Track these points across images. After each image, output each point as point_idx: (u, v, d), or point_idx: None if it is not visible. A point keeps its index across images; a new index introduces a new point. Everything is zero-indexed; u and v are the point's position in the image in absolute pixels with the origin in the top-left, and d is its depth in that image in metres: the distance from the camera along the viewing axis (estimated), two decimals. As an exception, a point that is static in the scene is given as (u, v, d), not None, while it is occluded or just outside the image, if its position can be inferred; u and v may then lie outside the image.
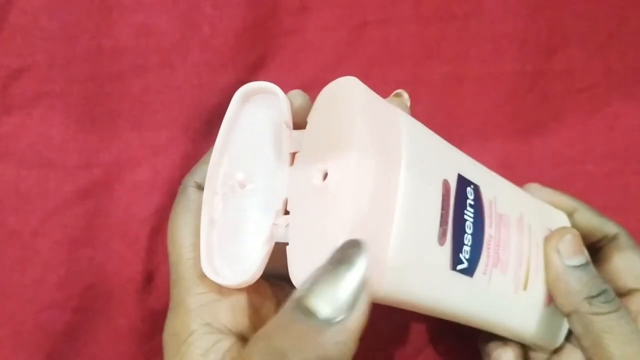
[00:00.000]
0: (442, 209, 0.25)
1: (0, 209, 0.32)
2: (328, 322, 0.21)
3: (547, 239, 0.32)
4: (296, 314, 0.21)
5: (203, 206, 0.28)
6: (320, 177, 0.24)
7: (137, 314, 0.34)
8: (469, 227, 0.27)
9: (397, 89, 0.38)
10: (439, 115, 0.38)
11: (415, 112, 0.39)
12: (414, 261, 0.25)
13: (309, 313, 0.21)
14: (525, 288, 0.30)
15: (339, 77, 0.29)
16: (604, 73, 0.39)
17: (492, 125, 0.39)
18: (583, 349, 0.29)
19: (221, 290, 0.27)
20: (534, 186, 0.36)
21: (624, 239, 0.34)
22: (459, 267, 0.26)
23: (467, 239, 0.27)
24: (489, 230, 0.28)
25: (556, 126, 0.40)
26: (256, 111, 0.28)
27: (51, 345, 0.34)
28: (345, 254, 0.21)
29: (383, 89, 0.37)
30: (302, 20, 0.36)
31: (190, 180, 0.29)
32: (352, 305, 0.21)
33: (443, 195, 0.26)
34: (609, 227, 0.34)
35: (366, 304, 0.21)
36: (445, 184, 0.26)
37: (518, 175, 0.39)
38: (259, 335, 0.22)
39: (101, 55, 0.33)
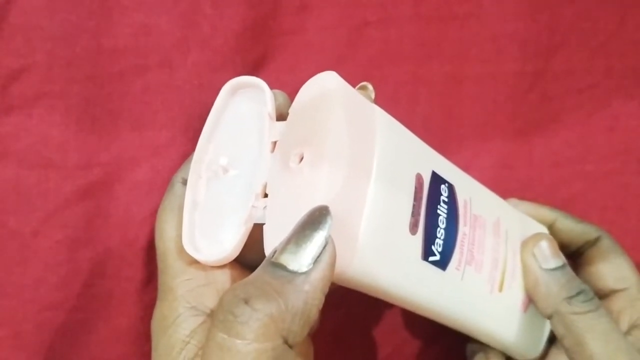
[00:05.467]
0: (415, 200, 0.27)
1: (0, 209, 0.32)
2: (294, 273, 0.23)
3: (522, 245, 0.33)
4: (266, 268, 0.24)
5: (187, 189, 0.29)
6: (297, 160, 0.26)
7: (137, 314, 0.35)
8: (442, 222, 0.28)
9: (397, 89, 0.38)
10: (439, 115, 0.38)
11: (415, 112, 0.39)
12: (384, 244, 0.26)
13: (277, 266, 0.23)
14: (500, 290, 0.31)
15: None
16: (604, 73, 0.39)
17: (492, 125, 0.39)
18: (565, 350, 0.30)
19: (207, 276, 0.28)
20: (514, 201, 0.37)
21: (605, 242, 0.35)
22: (431, 258, 0.27)
23: (440, 232, 0.28)
24: (463, 228, 0.29)
25: (556, 126, 0.40)
26: (242, 104, 0.30)
27: (51, 345, 0.34)
28: (312, 216, 0.23)
29: (383, 89, 0.37)
30: (302, 20, 0.36)
31: (178, 176, 0.31)
32: (316, 258, 0.23)
33: (416, 188, 0.27)
34: (590, 232, 0.35)
35: (329, 259, 0.23)
36: (419, 178, 0.27)
37: (518, 175, 0.40)
38: (228, 288, 0.24)
39: (101, 55, 0.33)
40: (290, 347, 0.23)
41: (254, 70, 0.36)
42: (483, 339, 0.32)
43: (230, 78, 0.31)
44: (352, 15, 0.37)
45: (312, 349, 0.31)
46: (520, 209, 0.36)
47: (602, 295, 0.34)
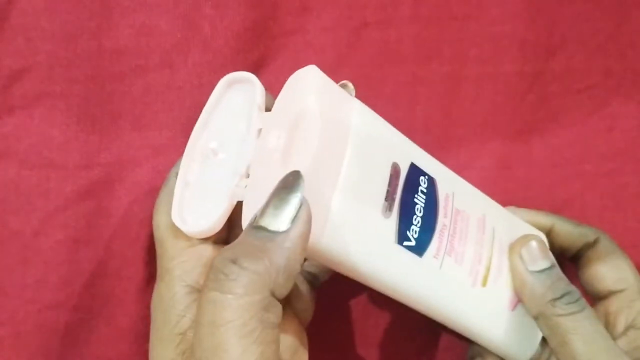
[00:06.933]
0: (389, 186, 0.28)
1: (1, 209, 0.33)
2: (274, 233, 0.25)
3: (510, 246, 0.33)
4: (249, 232, 0.25)
5: (180, 169, 0.31)
6: (275, 141, 0.27)
7: (138, 313, 0.35)
8: (418, 210, 0.29)
9: (397, 89, 0.38)
10: (439, 115, 0.39)
11: (415, 112, 0.39)
12: (355, 220, 0.27)
13: (259, 228, 0.25)
14: (484, 285, 0.31)
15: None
16: (603, 73, 0.40)
17: (492, 126, 0.39)
18: (552, 350, 0.30)
19: (200, 258, 0.30)
20: (511, 209, 0.37)
21: (603, 243, 0.35)
22: (406, 243, 0.29)
23: (416, 220, 0.29)
24: (443, 220, 0.30)
25: (555, 126, 0.40)
26: (236, 96, 0.32)
27: (51, 345, 0.34)
28: (287, 181, 0.25)
29: (383, 89, 0.38)
30: (302, 21, 0.36)
31: (173, 171, 0.32)
32: (293, 218, 0.25)
33: (391, 175, 0.28)
34: (588, 235, 0.36)
35: (306, 217, 0.25)
36: (395, 166, 0.29)
37: (517, 175, 0.40)
38: (218, 253, 0.25)
39: (102, 55, 0.33)
40: (278, 299, 0.25)
41: (254, 71, 0.35)
42: (468, 334, 0.33)
43: (230, 78, 0.31)
44: (352, 16, 0.37)
45: (305, 338, 0.31)
46: (518, 216, 0.36)
47: (602, 297, 0.35)
